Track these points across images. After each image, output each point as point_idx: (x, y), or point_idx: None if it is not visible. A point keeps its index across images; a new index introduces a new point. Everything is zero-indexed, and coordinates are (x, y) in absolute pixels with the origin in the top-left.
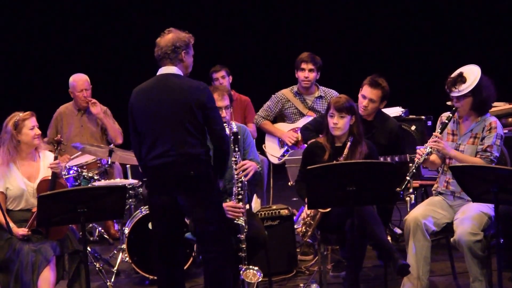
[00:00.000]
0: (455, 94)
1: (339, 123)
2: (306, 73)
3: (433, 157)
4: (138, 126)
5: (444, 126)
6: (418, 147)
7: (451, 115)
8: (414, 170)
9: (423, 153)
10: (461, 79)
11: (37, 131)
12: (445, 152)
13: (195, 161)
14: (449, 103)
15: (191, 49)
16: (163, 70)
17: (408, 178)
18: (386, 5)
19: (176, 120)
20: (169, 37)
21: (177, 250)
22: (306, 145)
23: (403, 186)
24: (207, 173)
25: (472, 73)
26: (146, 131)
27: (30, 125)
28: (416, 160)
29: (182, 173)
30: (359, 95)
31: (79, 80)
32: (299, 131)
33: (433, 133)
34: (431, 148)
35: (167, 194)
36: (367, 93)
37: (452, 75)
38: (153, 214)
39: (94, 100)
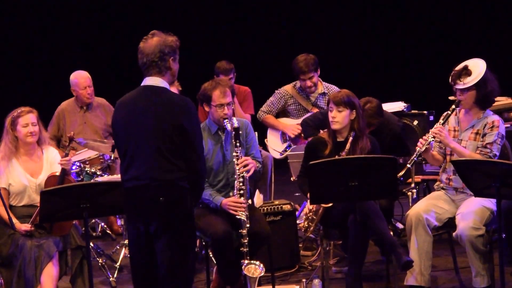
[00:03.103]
0: (459, 86)
1: (337, 117)
2: (308, 82)
3: (435, 152)
4: (118, 142)
5: (446, 117)
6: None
7: (454, 106)
8: (415, 158)
9: (426, 141)
10: (466, 71)
11: (31, 129)
12: (446, 142)
13: (168, 187)
14: (451, 98)
15: (178, 54)
16: (148, 81)
17: (408, 165)
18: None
19: (152, 141)
20: (154, 42)
21: (155, 277)
22: (307, 140)
23: (403, 172)
24: (181, 200)
25: (477, 67)
26: (124, 149)
27: (23, 122)
28: (418, 148)
29: (153, 198)
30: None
31: (81, 78)
32: None
33: (436, 124)
34: (433, 136)
35: (140, 222)
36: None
37: (457, 68)
38: (129, 240)
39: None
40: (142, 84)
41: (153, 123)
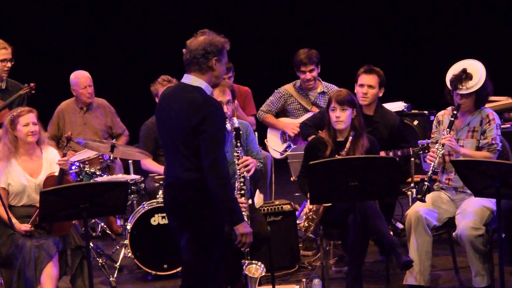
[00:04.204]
0: (462, 92)
1: (341, 116)
2: (308, 75)
3: None
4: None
5: (451, 123)
6: (419, 142)
7: (455, 112)
8: (431, 174)
9: (437, 155)
10: (467, 75)
11: (32, 128)
12: (456, 151)
13: (188, 186)
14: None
15: (225, 57)
16: (185, 79)
17: (426, 183)
18: None
19: (174, 138)
20: (200, 39)
21: None
22: (307, 141)
23: (423, 192)
24: (198, 202)
25: (476, 69)
26: (161, 142)
27: (24, 121)
28: (432, 163)
29: (174, 197)
30: (356, 87)
31: (81, 77)
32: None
33: (443, 134)
34: (442, 147)
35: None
36: (364, 81)
37: (455, 72)
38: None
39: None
40: (181, 80)
41: (174, 120)
